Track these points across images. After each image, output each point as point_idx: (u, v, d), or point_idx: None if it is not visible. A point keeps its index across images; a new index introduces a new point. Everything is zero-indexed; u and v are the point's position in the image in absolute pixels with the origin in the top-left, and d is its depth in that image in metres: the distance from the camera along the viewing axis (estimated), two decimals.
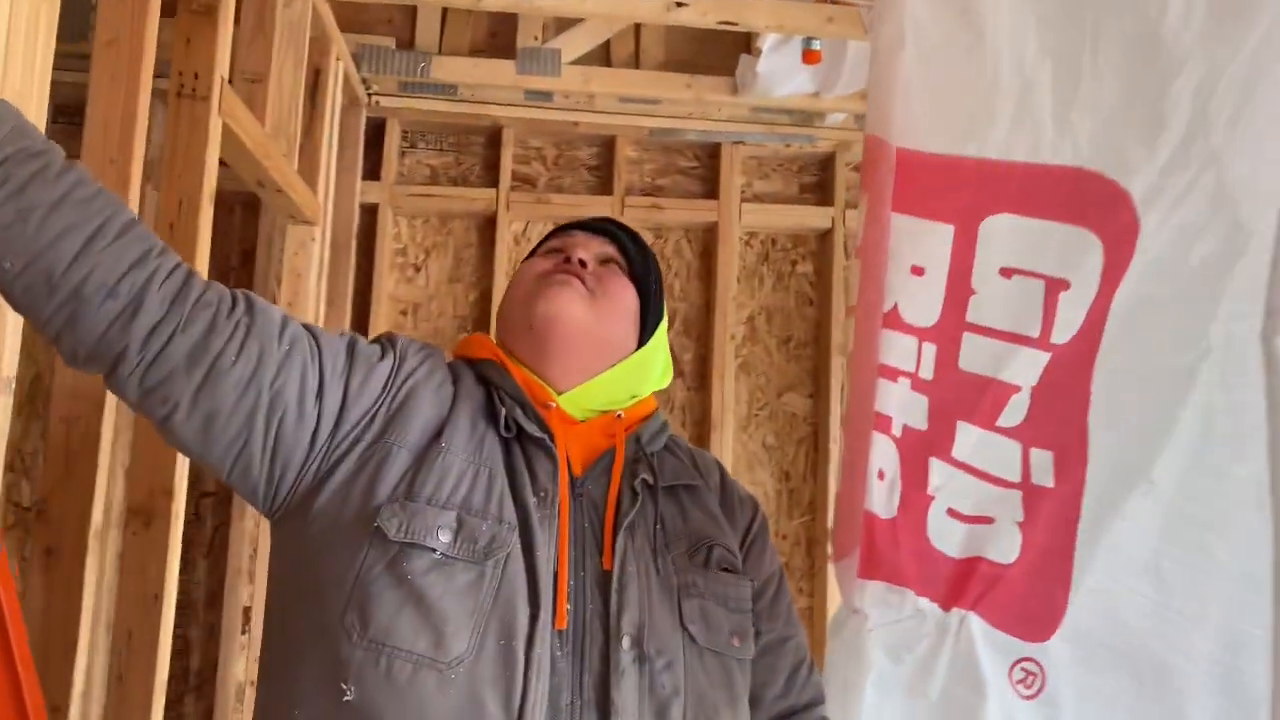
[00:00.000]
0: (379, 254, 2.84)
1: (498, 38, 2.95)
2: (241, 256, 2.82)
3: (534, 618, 0.88)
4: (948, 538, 1.04)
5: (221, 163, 1.88)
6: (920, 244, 1.03)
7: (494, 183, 2.91)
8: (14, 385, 1.08)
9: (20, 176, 0.78)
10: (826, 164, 3.06)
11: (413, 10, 2.88)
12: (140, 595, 1.46)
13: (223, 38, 1.59)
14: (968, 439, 1.02)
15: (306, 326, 0.96)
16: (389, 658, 0.84)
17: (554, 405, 1.02)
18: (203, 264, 1.57)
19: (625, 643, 0.90)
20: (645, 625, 0.92)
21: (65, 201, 0.80)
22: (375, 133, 2.87)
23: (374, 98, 2.81)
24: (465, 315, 2.92)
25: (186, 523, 2.67)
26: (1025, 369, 0.99)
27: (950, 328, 1.03)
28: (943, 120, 1.02)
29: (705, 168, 3.05)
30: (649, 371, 1.12)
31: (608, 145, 2.99)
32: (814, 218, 2.99)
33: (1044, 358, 0.98)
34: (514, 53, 2.78)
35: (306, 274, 2.34)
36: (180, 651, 2.64)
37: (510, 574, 0.89)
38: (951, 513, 1.03)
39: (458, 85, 2.82)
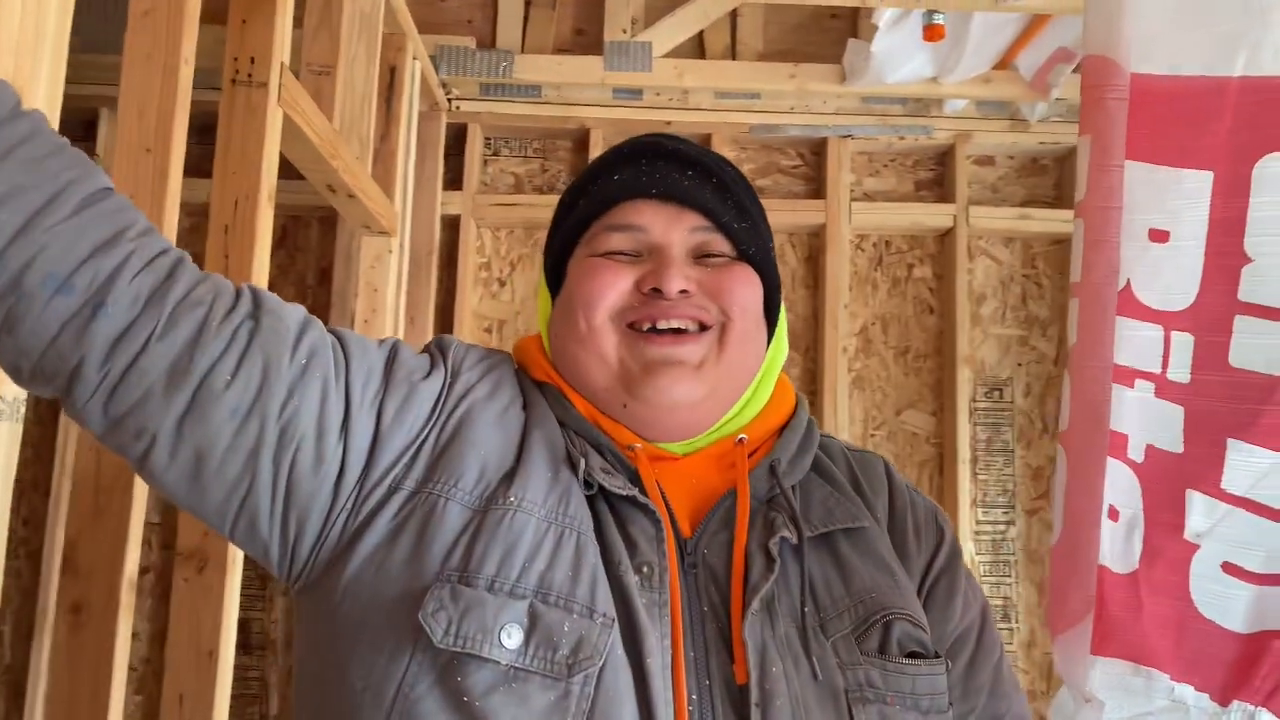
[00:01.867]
0: (462, 268, 2.65)
1: (583, 34, 2.77)
2: (319, 274, 2.67)
3: None
4: (1225, 604, 0.75)
5: (293, 174, 1.71)
6: (1162, 199, 0.77)
7: None
8: (22, 409, 0.90)
9: None
10: (945, 157, 2.77)
11: (493, 9, 2.72)
12: (193, 652, 1.27)
13: (281, 19, 1.41)
14: (1249, 464, 0.74)
15: (335, 332, 0.72)
16: None
17: (638, 445, 0.76)
18: (262, 272, 1.38)
19: None
20: None
21: (9, 159, 0.59)
22: (456, 140, 2.70)
23: (454, 102, 2.64)
24: None
25: None
26: None
27: (1213, 310, 0.76)
28: (1197, 30, 0.76)
29: (809, 165, 2.80)
30: (774, 367, 0.84)
31: (703, 145, 2.76)
32: (932, 216, 2.71)
33: None
34: (599, 50, 2.59)
35: (384, 288, 2.17)
36: (257, 697, 2.47)
37: (609, 692, 0.63)
38: (1231, 569, 0.75)
39: (542, 85, 2.64)
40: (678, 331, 0.77)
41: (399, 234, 2.21)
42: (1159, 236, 0.78)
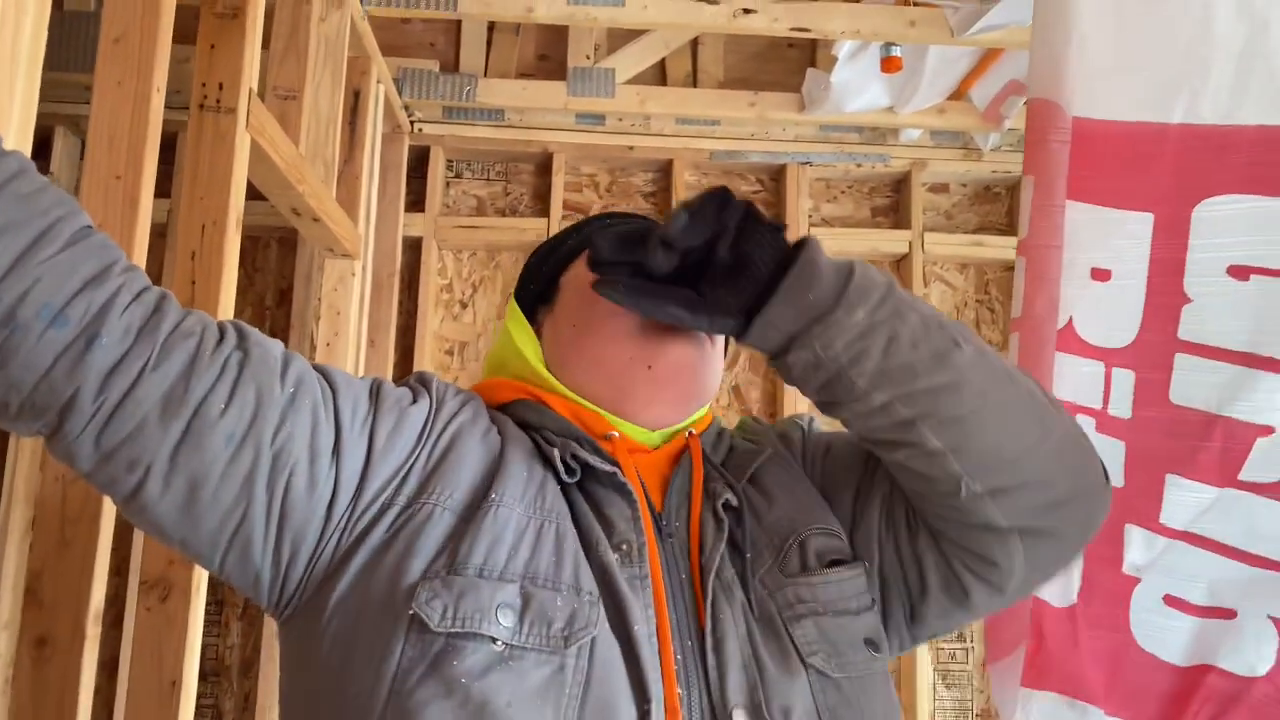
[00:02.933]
0: (423, 290, 2.65)
1: (546, 60, 2.79)
2: (278, 295, 2.66)
3: (645, 714, 0.65)
4: (1165, 636, 0.78)
5: (256, 196, 1.71)
6: (1105, 239, 0.80)
7: (545, 212, 2.73)
8: None
9: None
10: (901, 185, 2.84)
11: (456, 33, 2.73)
12: (155, 683, 1.26)
13: (250, 45, 1.42)
14: (1187, 498, 0.78)
15: (316, 366, 0.75)
16: None
17: (616, 434, 0.81)
18: (229, 297, 1.38)
19: (738, 717, 0.68)
20: (758, 685, 0.69)
21: (2, 194, 0.60)
22: (418, 162, 2.71)
23: (416, 125, 2.65)
24: None
25: (218, 582, 2.49)
26: (1277, 402, 0.75)
27: (1154, 348, 0.79)
28: (1136, 78, 0.80)
29: (769, 191, 2.85)
30: None
31: (664, 170, 2.80)
32: (888, 242, 2.77)
33: None
34: (562, 75, 2.62)
35: (347, 310, 2.16)
36: None
37: (601, 663, 0.66)
38: (1173, 602, 0.78)
39: (505, 109, 2.66)
40: None
41: (362, 256, 2.22)
42: (1101, 275, 0.81)
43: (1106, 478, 0.76)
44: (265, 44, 1.63)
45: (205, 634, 2.40)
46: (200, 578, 1.33)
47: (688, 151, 2.74)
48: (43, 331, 0.60)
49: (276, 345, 0.73)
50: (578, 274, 0.90)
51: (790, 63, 2.84)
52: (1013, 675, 0.83)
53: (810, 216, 2.78)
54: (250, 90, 1.42)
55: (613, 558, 0.72)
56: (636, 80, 2.66)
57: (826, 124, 2.70)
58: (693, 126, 2.72)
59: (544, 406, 0.84)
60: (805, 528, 0.80)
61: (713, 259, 0.72)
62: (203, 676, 2.44)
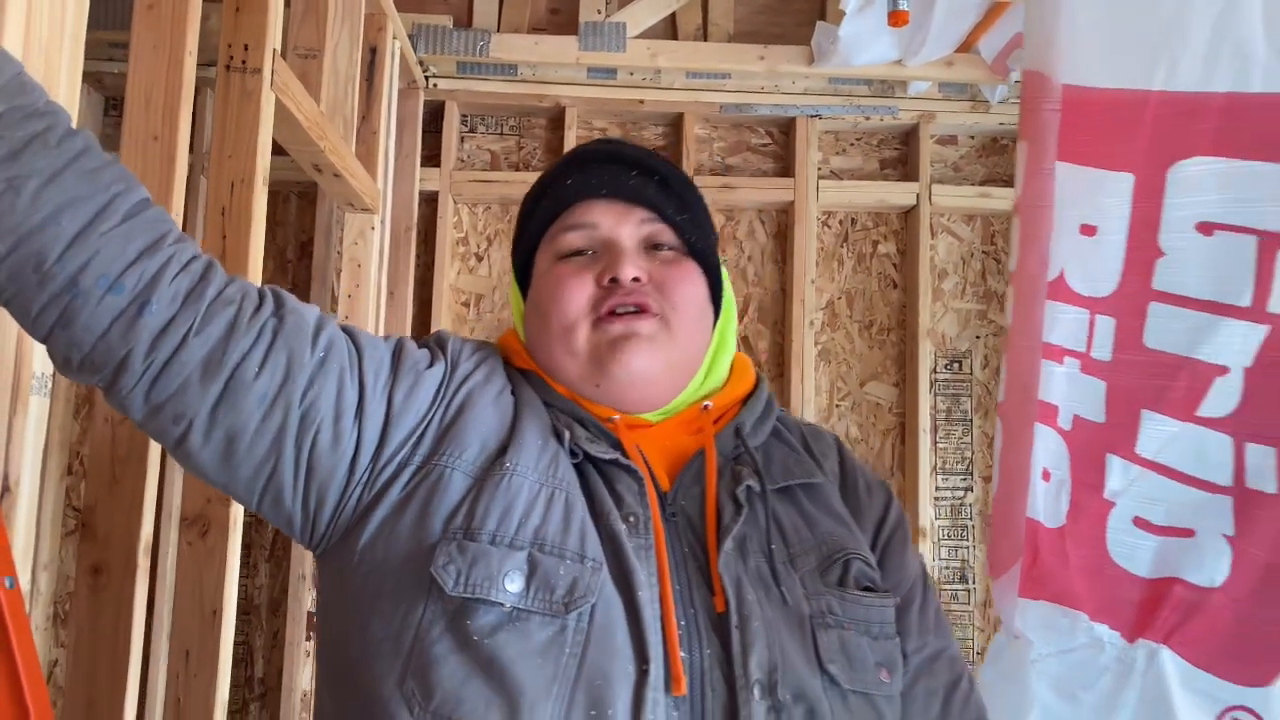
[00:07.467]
0: (439, 243, 2.71)
1: (558, 14, 2.82)
2: (299, 249, 2.73)
3: (643, 674, 0.72)
4: (1134, 553, 0.86)
5: (277, 151, 1.77)
6: (1091, 197, 0.86)
7: None
8: (50, 384, 0.97)
9: (15, 139, 0.65)
10: (909, 137, 2.87)
11: None
12: (198, 611, 1.35)
13: (275, 7, 1.47)
14: (1157, 432, 0.84)
15: (346, 329, 0.82)
16: None
17: (618, 416, 0.86)
18: (257, 252, 1.45)
19: (756, 692, 0.73)
20: (778, 667, 0.74)
21: (67, 171, 0.66)
22: (433, 117, 2.75)
23: (431, 80, 2.69)
24: None
25: (247, 525, 2.59)
26: (1234, 346, 0.81)
27: (1132, 297, 0.85)
28: (1121, 48, 0.85)
29: (778, 144, 2.88)
30: (726, 341, 0.95)
31: (675, 124, 2.84)
32: (896, 194, 2.81)
33: (1260, 331, 0.80)
34: (574, 29, 2.65)
35: (367, 264, 2.23)
36: (242, 660, 2.55)
37: (601, 626, 0.73)
38: (1139, 523, 0.86)
39: (518, 64, 2.69)
40: (635, 312, 0.86)
41: (381, 211, 2.27)
42: (1088, 230, 0.87)
43: None
44: (285, 4, 1.68)
45: None
46: (236, 515, 1.41)
47: (698, 105, 2.78)
48: (101, 297, 0.67)
49: (311, 311, 0.79)
50: (543, 267, 0.91)
51: (799, 15, 2.87)
52: (1011, 588, 0.91)
53: (819, 169, 2.82)
54: (274, 51, 1.47)
55: (621, 527, 0.78)
56: (647, 34, 2.69)
57: (835, 77, 2.73)
58: (703, 80, 2.75)
59: (547, 384, 0.88)
60: (854, 551, 0.85)
61: None
62: None
